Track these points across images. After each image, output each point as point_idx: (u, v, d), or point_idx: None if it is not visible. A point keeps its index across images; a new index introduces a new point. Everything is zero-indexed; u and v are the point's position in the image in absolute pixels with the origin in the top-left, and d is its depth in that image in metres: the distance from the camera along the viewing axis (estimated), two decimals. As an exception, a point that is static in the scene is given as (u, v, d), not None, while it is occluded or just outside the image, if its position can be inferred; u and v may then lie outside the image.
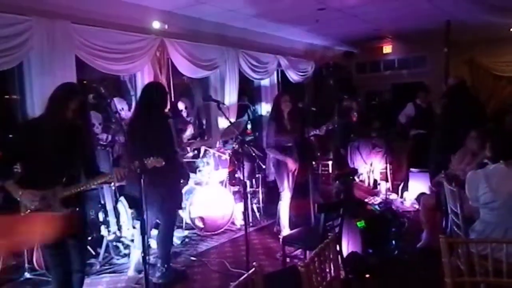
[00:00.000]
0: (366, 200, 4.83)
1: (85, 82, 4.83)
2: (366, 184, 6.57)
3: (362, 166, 6.42)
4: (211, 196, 5.00)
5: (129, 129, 3.59)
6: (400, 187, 6.26)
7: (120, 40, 4.90)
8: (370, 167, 6.50)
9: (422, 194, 5.04)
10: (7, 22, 3.96)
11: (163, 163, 2.74)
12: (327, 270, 2.11)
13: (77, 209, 2.58)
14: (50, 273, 2.66)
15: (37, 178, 2.44)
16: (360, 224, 3.92)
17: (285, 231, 4.55)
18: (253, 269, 1.72)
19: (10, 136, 2.75)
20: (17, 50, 4.06)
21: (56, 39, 4.32)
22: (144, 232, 2.70)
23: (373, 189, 6.30)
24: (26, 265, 3.75)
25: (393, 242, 4.12)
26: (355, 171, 5.78)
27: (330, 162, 6.73)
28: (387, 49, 8.98)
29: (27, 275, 3.75)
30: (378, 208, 4.47)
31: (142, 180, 2.61)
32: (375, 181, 6.53)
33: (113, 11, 4.81)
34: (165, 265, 3.71)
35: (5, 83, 4.76)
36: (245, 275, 1.72)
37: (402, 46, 8.66)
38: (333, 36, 7.71)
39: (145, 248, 2.80)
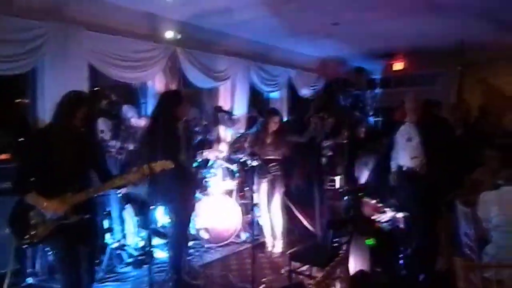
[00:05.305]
0: (373, 217, 4.75)
1: (97, 88, 4.82)
2: (373, 201, 6.47)
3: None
4: (217, 207, 4.95)
5: (142, 136, 3.59)
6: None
7: (133, 48, 4.92)
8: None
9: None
10: (22, 27, 3.98)
11: (172, 166, 2.72)
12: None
13: (87, 216, 2.55)
14: (60, 279, 2.59)
15: (48, 187, 2.42)
16: (369, 242, 3.85)
17: (276, 243, 4.70)
18: (263, 285, 1.67)
19: (24, 149, 2.71)
20: (31, 55, 4.07)
21: (69, 45, 4.34)
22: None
23: (380, 207, 6.19)
24: (28, 270, 3.71)
25: (402, 261, 4.03)
26: (364, 188, 5.69)
27: (337, 178, 6.63)
28: (398, 66, 8.96)
29: (30, 280, 3.70)
30: (387, 226, 4.39)
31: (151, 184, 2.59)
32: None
33: (127, 19, 4.84)
34: (175, 275, 3.63)
35: (18, 87, 4.76)
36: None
37: (413, 63, 8.62)
38: (344, 51, 7.71)
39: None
